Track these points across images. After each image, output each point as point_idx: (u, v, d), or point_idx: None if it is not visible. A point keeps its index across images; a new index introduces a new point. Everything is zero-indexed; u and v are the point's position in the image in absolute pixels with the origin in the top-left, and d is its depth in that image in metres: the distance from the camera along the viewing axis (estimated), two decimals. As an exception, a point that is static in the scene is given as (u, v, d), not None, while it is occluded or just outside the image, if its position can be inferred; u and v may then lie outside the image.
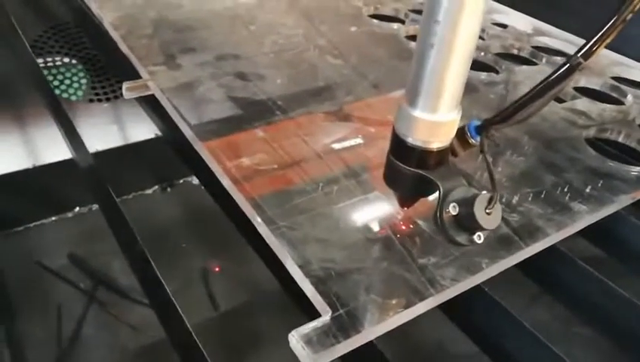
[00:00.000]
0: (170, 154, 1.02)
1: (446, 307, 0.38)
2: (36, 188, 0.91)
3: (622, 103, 0.67)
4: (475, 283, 0.38)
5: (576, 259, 0.44)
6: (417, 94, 0.34)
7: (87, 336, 0.76)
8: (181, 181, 1.05)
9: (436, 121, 0.34)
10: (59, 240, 0.90)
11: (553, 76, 0.34)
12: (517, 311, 0.40)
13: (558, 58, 0.76)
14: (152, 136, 1.00)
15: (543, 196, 0.46)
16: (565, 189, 0.48)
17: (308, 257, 0.37)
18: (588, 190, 0.48)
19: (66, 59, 0.98)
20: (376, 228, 0.41)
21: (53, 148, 0.92)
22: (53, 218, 0.93)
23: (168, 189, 1.04)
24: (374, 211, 0.43)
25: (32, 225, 0.91)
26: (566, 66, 0.34)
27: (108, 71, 1.00)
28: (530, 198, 0.46)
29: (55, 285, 0.81)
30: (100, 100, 0.99)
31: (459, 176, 0.36)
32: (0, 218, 0.89)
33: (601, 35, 0.33)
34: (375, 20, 0.79)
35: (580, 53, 0.34)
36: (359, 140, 0.51)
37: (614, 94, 0.68)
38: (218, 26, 0.71)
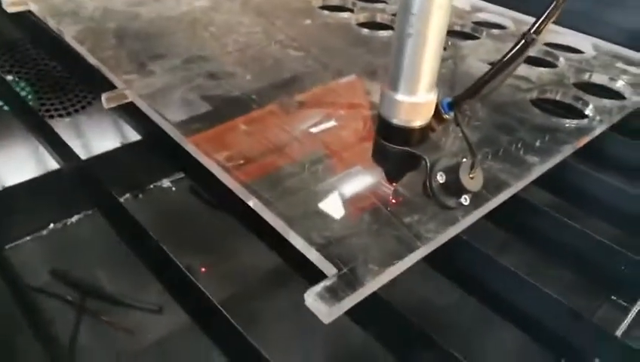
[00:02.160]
0: (137, 161, 1.04)
1: (432, 259, 0.44)
2: (6, 209, 0.91)
3: (555, 66, 0.74)
4: (455, 233, 0.44)
5: (537, 203, 0.50)
6: (398, 80, 0.39)
7: (84, 347, 0.77)
8: (151, 186, 1.07)
9: (417, 102, 0.39)
10: (37, 258, 0.90)
11: (511, 53, 0.40)
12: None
13: (496, 31, 0.83)
14: (117, 145, 1.01)
15: (500, 153, 0.53)
16: (519, 145, 0.54)
17: (307, 230, 0.42)
18: (538, 144, 0.55)
19: (10, 77, 0.97)
20: (363, 197, 0.46)
21: (15, 169, 0.92)
22: (28, 238, 0.93)
23: (140, 196, 1.05)
24: (360, 183, 0.48)
25: (7, 247, 0.91)
26: (521, 43, 0.40)
27: (57, 87, 1.00)
28: (490, 157, 0.52)
29: (43, 302, 0.82)
30: (51, 117, 0.99)
31: (441, 148, 0.42)
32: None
33: (548, 13, 0.39)
34: (325, 11, 0.84)
35: (532, 30, 0.39)
36: (333, 122, 0.56)
37: (548, 58, 0.76)
38: (179, 30, 0.73)
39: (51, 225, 0.95)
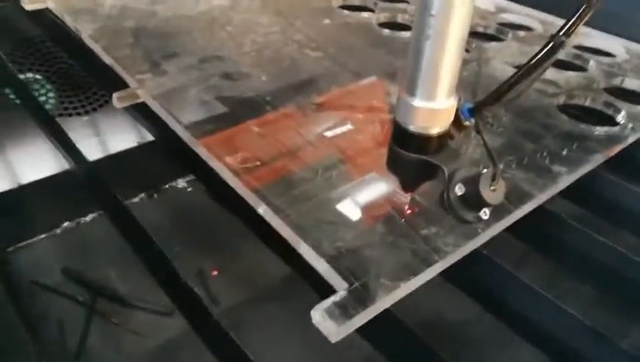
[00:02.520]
0: (153, 161, 1.03)
1: (450, 273, 0.41)
2: (21, 207, 0.91)
3: (585, 70, 0.71)
4: (475, 247, 0.41)
5: (563, 215, 0.47)
6: (415, 84, 0.36)
7: (92, 348, 0.76)
8: (166, 186, 1.06)
9: (435, 109, 0.37)
10: (50, 257, 0.90)
11: (538, 56, 0.37)
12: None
13: (522, 32, 0.80)
14: (134, 144, 1.00)
15: (525, 162, 0.50)
16: (544, 153, 0.51)
17: (318, 239, 0.40)
18: (565, 152, 0.52)
19: (30, 75, 0.97)
20: (378, 206, 0.43)
21: (32, 167, 0.92)
22: (42, 236, 0.93)
23: (155, 196, 1.04)
24: (375, 191, 0.45)
25: (22, 244, 0.90)
26: (550, 45, 0.37)
27: (77, 85, 1.00)
28: (513, 165, 0.49)
29: (54, 301, 0.82)
30: (69, 115, 0.99)
31: (460, 158, 0.39)
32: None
33: (580, 14, 0.36)
34: (345, 11, 0.82)
35: (562, 32, 0.36)
36: (349, 126, 0.54)
37: (577, 62, 0.73)
38: (196, 30, 0.72)
39: (65, 224, 0.95)
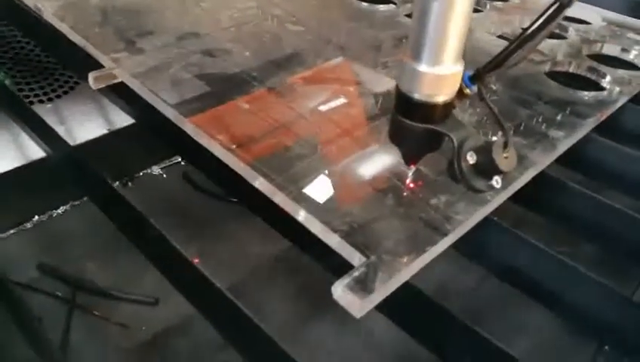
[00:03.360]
0: (125, 148, 0.99)
1: (458, 242, 0.40)
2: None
3: (565, 38, 0.71)
4: (486, 214, 0.41)
5: (562, 179, 0.47)
6: (421, 48, 0.35)
7: (77, 343, 0.73)
8: (141, 173, 1.02)
9: (442, 74, 0.35)
10: (23, 252, 0.85)
11: (544, 16, 0.36)
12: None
13: (499, 3, 0.80)
14: (103, 132, 0.96)
15: (522, 128, 0.50)
16: (540, 119, 0.51)
17: (326, 214, 0.38)
18: (559, 117, 0.52)
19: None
20: (385, 178, 0.42)
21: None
22: (12, 231, 0.88)
23: (129, 184, 1.00)
24: (380, 163, 0.44)
25: (-10, 241, 0.86)
26: (556, 5, 0.36)
27: (36, 71, 0.94)
28: (511, 132, 0.49)
29: (31, 299, 0.78)
30: (31, 103, 0.93)
31: (466, 126, 0.38)
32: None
33: None
34: (323, -15, 0.79)
35: None
36: (343, 100, 0.52)
37: (557, 30, 0.73)
38: (169, 7, 0.68)
39: (36, 217, 0.90)
